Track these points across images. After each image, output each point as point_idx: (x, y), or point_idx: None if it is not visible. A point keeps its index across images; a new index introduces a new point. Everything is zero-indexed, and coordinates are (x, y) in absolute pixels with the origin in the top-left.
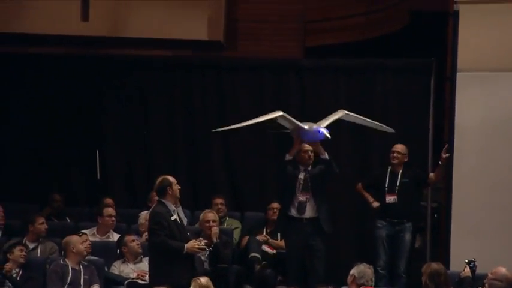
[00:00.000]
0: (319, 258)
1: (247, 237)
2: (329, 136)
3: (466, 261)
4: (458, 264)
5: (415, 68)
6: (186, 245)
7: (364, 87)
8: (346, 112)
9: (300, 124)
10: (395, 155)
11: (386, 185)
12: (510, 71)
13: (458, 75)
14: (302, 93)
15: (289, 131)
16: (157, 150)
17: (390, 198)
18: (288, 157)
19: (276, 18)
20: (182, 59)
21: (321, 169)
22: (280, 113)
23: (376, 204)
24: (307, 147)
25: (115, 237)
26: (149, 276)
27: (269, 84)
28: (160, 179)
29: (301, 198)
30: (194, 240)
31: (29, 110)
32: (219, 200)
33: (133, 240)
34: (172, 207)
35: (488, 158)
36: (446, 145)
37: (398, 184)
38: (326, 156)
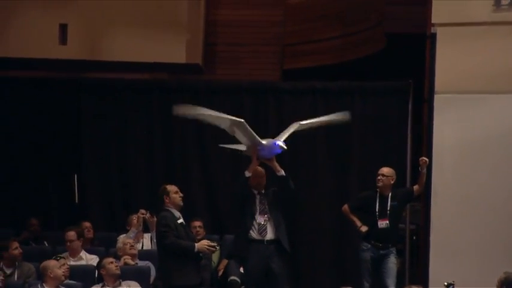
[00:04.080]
0: (282, 281)
1: (226, 261)
2: (285, 147)
3: (445, 284)
4: (437, 286)
5: (393, 90)
6: (196, 244)
7: (342, 110)
8: (301, 122)
9: (259, 139)
10: (379, 177)
11: (377, 210)
12: (487, 93)
13: (436, 97)
14: (280, 116)
15: (243, 149)
16: (136, 173)
17: (382, 223)
18: (247, 174)
19: (254, 41)
20: (160, 82)
21: (274, 190)
22: (242, 120)
23: (364, 228)
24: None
25: (88, 258)
26: (161, 280)
27: (247, 107)
28: (161, 188)
29: (260, 220)
30: (205, 240)
31: (6, 133)
32: (197, 223)
33: (112, 262)
34: (177, 213)
35: (466, 180)
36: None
37: (389, 208)
38: (282, 173)
